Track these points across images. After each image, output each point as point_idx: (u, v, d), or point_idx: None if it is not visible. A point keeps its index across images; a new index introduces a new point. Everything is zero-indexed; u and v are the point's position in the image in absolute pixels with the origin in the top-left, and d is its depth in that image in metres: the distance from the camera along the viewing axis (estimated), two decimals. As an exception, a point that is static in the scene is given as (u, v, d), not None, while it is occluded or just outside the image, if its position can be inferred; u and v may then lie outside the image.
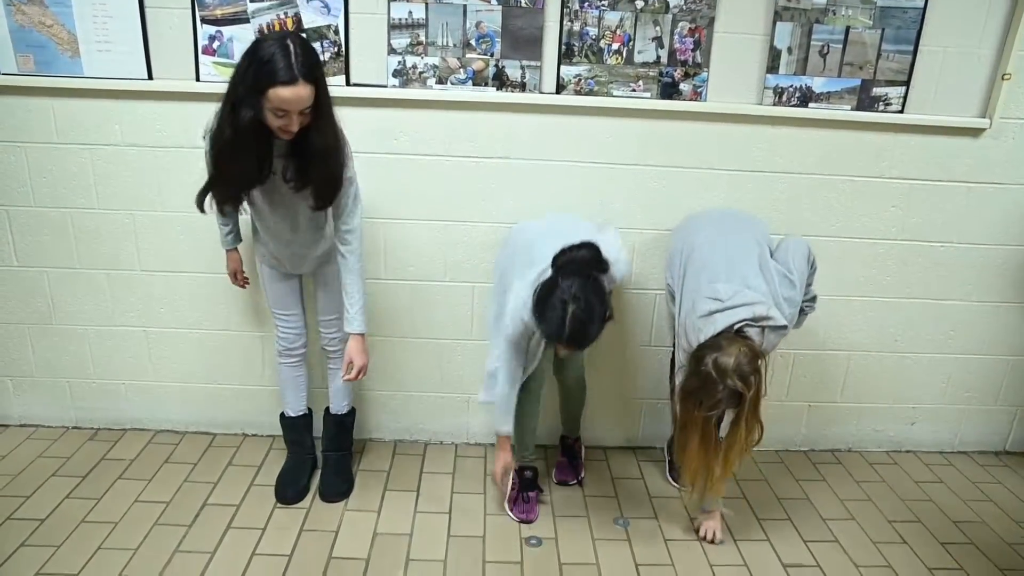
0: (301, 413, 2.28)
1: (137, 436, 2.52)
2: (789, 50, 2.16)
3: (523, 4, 2.09)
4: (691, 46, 2.16)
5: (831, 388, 2.58)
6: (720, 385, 1.71)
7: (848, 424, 2.63)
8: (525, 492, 2.18)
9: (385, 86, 2.17)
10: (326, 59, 2.13)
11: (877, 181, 2.33)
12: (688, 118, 2.23)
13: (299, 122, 1.64)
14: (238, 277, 2.22)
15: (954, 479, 2.51)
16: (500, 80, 2.17)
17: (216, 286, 2.36)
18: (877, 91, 2.21)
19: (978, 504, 2.36)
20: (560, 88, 2.19)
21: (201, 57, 2.13)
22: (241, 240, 2.15)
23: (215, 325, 2.43)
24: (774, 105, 2.22)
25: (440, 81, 2.17)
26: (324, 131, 1.71)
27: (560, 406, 2.39)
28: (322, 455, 2.31)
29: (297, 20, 2.10)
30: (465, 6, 2.09)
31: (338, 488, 2.24)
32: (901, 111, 2.24)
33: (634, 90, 2.19)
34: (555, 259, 1.78)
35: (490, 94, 2.18)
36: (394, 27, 2.12)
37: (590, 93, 2.19)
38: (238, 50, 2.11)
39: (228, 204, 1.85)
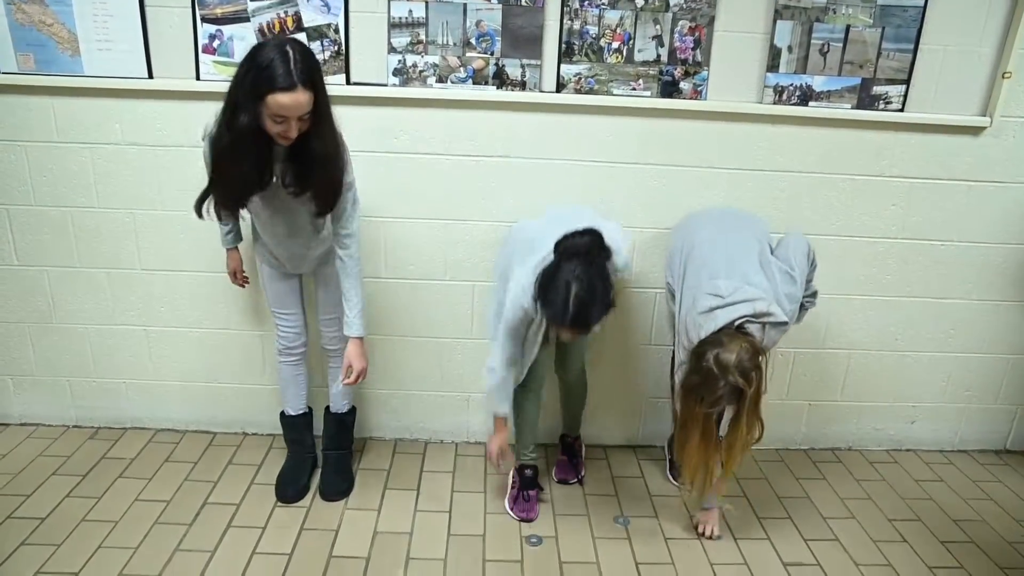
0: (301, 412, 2.28)
1: (137, 435, 2.52)
2: (789, 49, 2.16)
3: (523, 3, 2.09)
4: (691, 45, 2.16)
5: (831, 387, 2.58)
6: (721, 381, 1.71)
7: (848, 423, 2.63)
8: (525, 491, 2.18)
9: (385, 85, 2.17)
10: (326, 58, 2.13)
11: (877, 180, 2.33)
12: (688, 117, 2.23)
13: (298, 128, 1.63)
14: (238, 276, 2.22)
15: (954, 478, 2.51)
16: (500, 79, 2.17)
17: (216, 285, 2.36)
18: (877, 90, 2.21)
19: (978, 503, 2.36)
20: (560, 87, 2.19)
21: (201, 56, 2.13)
22: (241, 239, 2.15)
23: (215, 324, 2.43)
24: (774, 104, 2.21)
25: (440, 80, 2.17)
26: (324, 137, 1.70)
27: (561, 404, 2.39)
28: (322, 454, 2.31)
29: (297, 19, 2.10)
30: (465, 5, 2.09)
31: (338, 487, 2.24)
32: (901, 110, 2.24)
33: (634, 89, 2.19)
34: (557, 245, 1.78)
35: (490, 93, 2.18)
36: (394, 26, 2.12)
37: (590, 92, 2.19)
38: (238, 49, 2.11)
39: (227, 211, 1.84)
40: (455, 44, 2.13)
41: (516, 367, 2.02)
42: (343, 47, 2.13)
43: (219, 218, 1.90)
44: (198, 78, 2.15)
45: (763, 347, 1.78)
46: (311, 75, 1.60)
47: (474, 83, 2.17)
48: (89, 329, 2.44)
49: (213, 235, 2.16)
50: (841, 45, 2.16)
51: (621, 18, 2.12)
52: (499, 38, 2.13)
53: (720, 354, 1.71)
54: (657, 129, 2.24)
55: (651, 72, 2.18)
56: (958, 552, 2.10)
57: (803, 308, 1.99)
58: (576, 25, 2.12)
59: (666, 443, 2.49)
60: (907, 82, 2.20)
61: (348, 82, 2.17)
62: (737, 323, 1.77)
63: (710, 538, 2.08)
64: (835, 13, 2.13)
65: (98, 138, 2.22)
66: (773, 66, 2.18)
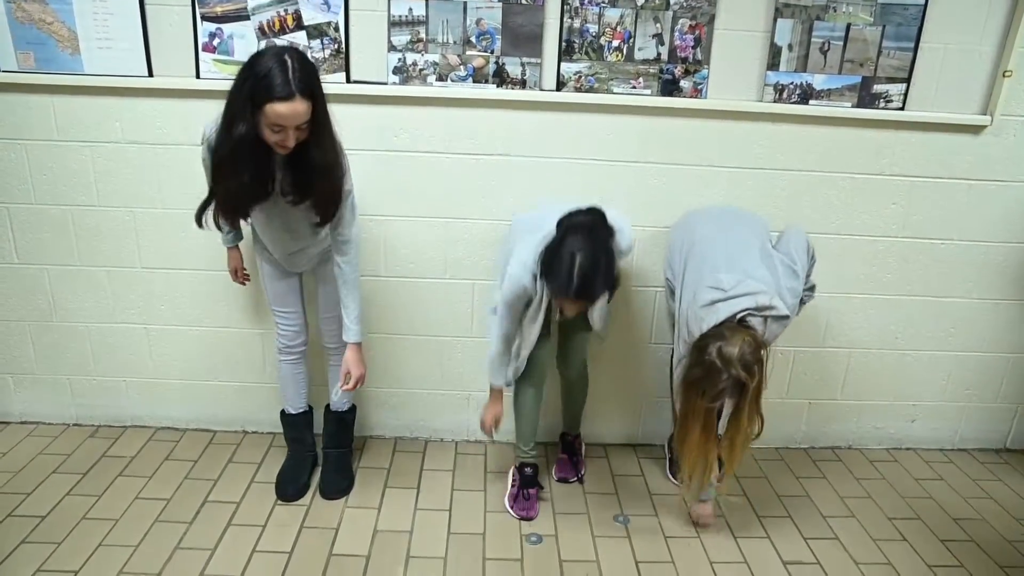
0: (301, 410, 2.28)
1: (138, 433, 2.52)
2: (790, 47, 2.16)
3: (523, 1, 2.09)
4: (691, 43, 2.15)
5: (831, 385, 2.58)
6: (724, 374, 1.70)
7: (848, 421, 2.63)
8: (525, 489, 2.18)
9: (385, 83, 2.17)
10: (326, 56, 2.13)
11: (878, 178, 2.33)
12: (688, 115, 2.23)
13: (296, 137, 1.63)
14: (239, 274, 2.22)
15: (954, 476, 2.51)
16: (500, 77, 2.17)
17: (216, 283, 2.36)
18: (878, 88, 2.21)
19: (978, 501, 2.36)
20: (560, 85, 2.18)
21: (201, 54, 2.13)
22: (242, 238, 2.15)
23: (215, 322, 2.43)
24: (774, 102, 2.21)
25: (440, 78, 2.17)
26: (324, 146, 1.70)
27: (562, 400, 2.39)
28: (322, 452, 2.31)
29: (297, 16, 2.10)
30: (465, 3, 2.09)
31: (338, 485, 2.24)
32: (902, 108, 2.23)
33: (634, 87, 2.19)
34: (560, 222, 1.79)
35: (490, 91, 2.18)
36: (394, 24, 2.12)
37: (590, 90, 2.19)
38: (238, 47, 2.11)
39: (228, 221, 1.83)
40: (455, 42, 2.13)
41: (513, 345, 2.03)
42: (343, 45, 2.13)
43: (219, 228, 1.89)
44: (198, 76, 2.15)
45: (764, 340, 1.77)
46: (309, 84, 1.59)
47: (474, 81, 2.17)
48: (89, 327, 2.44)
49: (213, 234, 2.14)
50: (841, 43, 2.16)
51: (621, 16, 2.12)
52: (499, 36, 2.13)
53: (723, 347, 1.71)
54: (657, 128, 2.24)
55: (651, 70, 2.18)
56: (958, 551, 2.10)
57: (801, 302, 1.99)
58: (576, 23, 2.12)
59: (666, 442, 2.49)
60: (907, 80, 2.20)
61: (348, 80, 2.16)
62: (739, 316, 1.76)
63: (704, 527, 2.08)
64: (836, 11, 2.13)
65: (98, 136, 2.22)
66: (773, 64, 2.18)
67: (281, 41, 2.11)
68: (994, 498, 2.38)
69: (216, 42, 2.12)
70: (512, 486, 2.22)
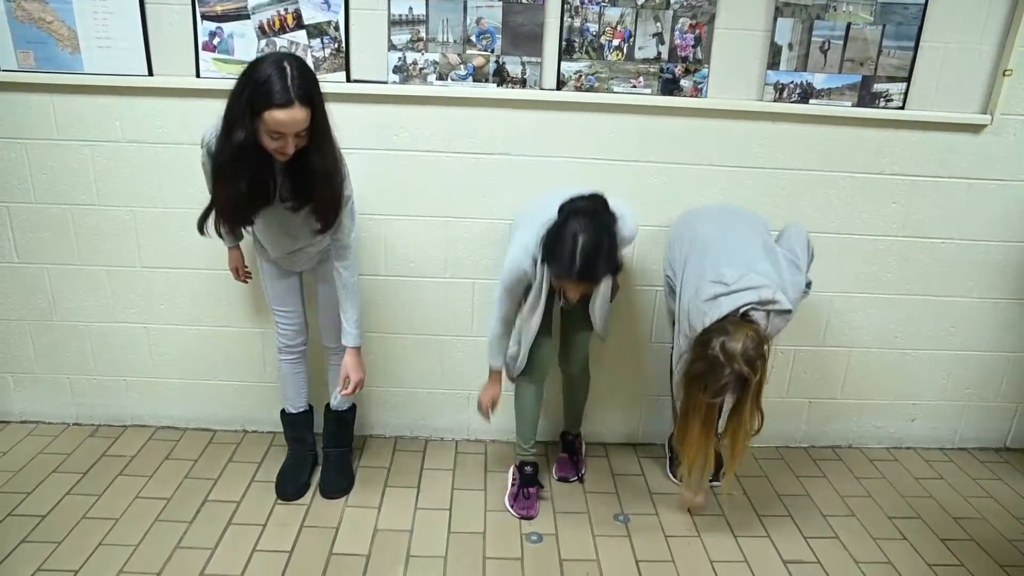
0: (301, 409, 2.28)
1: (138, 432, 2.52)
2: (790, 46, 2.16)
3: (523, 0, 2.09)
4: (692, 42, 2.15)
5: (831, 384, 2.58)
6: (727, 369, 1.69)
7: (848, 420, 2.63)
8: (525, 488, 2.18)
9: (385, 82, 2.17)
10: (326, 55, 2.13)
11: (878, 177, 2.33)
12: (688, 114, 2.23)
13: (295, 144, 1.63)
14: (240, 273, 2.22)
15: (954, 475, 2.51)
16: (500, 76, 2.17)
17: (216, 282, 2.36)
18: (878, 87, 2.21)
19: (978, 500, 2.36)
20: (560, 84, 2.18)
21: (201, 53, 2.13)
22: (243, 237, 2.14)
23: (215, 321, 2.43)
24: (775, 101, 2.21)
25: (440, 77, 2.17)
26: (323, 152, 1.70)
27: (564, 398, 2.39)
28: (323, 451, 2.31)
29: (297, 16, 2.10)
30: (465, 2, 2.09)
31: (338, 484, 2.24)
32: (902, 107, 2.23)
33: (634, 86, 2.19)
34: (562, 207, 1.80)
35: (490, 90, 2.18)
36: (394, 23, 2.12)
37: (590, 89, 2.19)
38: (238, 46, 2.11)
39: (229, 228, 1.82)
40: (455, 41, 2.13)
41: (511, 327, 2.04)
42: (343, 44, 2.13)
43: (220, 236, 1.87)
44: (198, 75, 2.14)
45: (767, 335, 1.77)
46: (308, 91, 1.59)
47: (474, 80, 2.17)
48: (89, 327, 2.44)
49: (213, 233, 2.16)
50: (842, 43, 2.16)
51: (621, 15, 2.12)
52: (499, 35, 2.13)
53: (726, 342, 1.70)
54: (657, 127, 2.24)
55: (651, 70, 2.18)
56: (958, 550, 2.10)
57: None
58: (576, 22, 2.12)
59: (666, 441, 2.49)
60: (908, 80, 2.20)
61: (348, 79, 2.16)
62: (742, 311, 1.76)
63: (696, 513, 2.10)
64: (836, 11, 2.13)
65: (98, 136, 2.22)
66: (773, 64, 2.18)
67: (281, 40, 2.11)
68: (994, 497, 2.39)
69: (216, 41, 2.12)
70: (512, 485, 2.22)
